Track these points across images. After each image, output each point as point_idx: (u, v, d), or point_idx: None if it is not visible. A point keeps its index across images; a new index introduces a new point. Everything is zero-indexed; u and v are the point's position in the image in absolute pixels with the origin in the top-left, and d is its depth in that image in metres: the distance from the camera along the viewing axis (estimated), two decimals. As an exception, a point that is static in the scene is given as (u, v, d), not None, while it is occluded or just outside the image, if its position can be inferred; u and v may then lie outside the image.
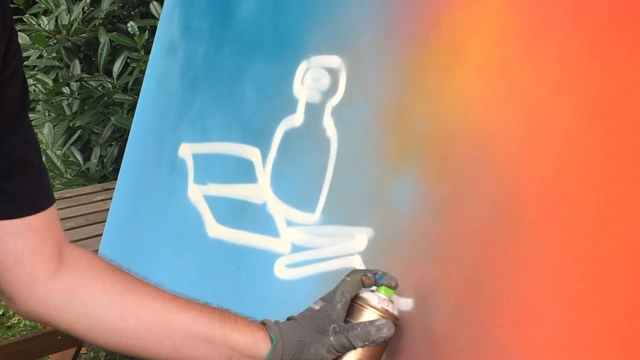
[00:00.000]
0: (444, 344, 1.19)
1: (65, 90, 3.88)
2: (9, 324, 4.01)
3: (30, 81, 4.01)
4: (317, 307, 1.16)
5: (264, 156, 1.60)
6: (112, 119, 3.64)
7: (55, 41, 3.95)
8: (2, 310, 4.10)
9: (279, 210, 1.54)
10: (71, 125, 3.66)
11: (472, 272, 1.17)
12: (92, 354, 3.64)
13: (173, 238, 1.84)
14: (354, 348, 1.10)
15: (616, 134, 1.03)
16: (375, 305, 1.15)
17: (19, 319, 4.04)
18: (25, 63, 3.88)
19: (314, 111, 1.51)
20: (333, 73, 1.48)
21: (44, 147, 3.58)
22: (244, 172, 1.65)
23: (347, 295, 1.16)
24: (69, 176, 3.65)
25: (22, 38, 4.01)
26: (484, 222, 1.17)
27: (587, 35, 1.09)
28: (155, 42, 2.08)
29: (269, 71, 1.65)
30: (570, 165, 1.07)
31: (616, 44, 1.05)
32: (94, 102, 3.73)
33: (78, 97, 3.77)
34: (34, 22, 3.92)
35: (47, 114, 3.91)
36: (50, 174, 3.52)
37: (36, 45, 3.81)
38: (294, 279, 1.47)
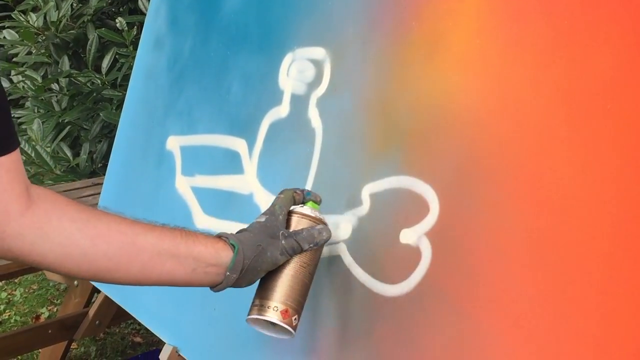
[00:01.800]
0: (429, 329, 1.21)
1: (54, 86, 3.88)
2: (0, 319, 4.02)
3: (19, 77, 4.01)
4: (262, 220, 1.26)
5: (250, 147, 1.62)
6: (101, 114, 3.65)
7: (44, 38, 3.96)
8: (-7, 307, 4.12)
9: (265, 200, 1.56)
10: (60, 121, 3.66)
11: (454, 260, 1.19)
12: (82, 349, 3.65)
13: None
14: (302, 250, 1.24)
15: (592, 120, 1.05)
16: (310, 215, 1.29)
17: (9, 315, 4.05)
18: (14, 59, 3.89)
19: (299, 102, 1.53)
20: (318, 64, 1.50)
21: (34, 143, 3.59)
22: (230, 163, 1.67)
23: (284, 209, 1.28)
24: (58, 172, 3.65)
25: (11, 35, 4.02)
26: (465, 209, 1.19)
27: (563, 24, 1.11)
28: (142, 37, 2.10)
29: (255, 63, 1.67)
30: (549, 152, 1.09)
31: (590, 32, 1.07)
32: (83, 98, 3.74)
33: (67, 93, 3.78)
34: (22, 19, 3.92)
35: (36, 110, 3.92)
36: (39, 169, 3.53)
37: (25, 41, 3.82)
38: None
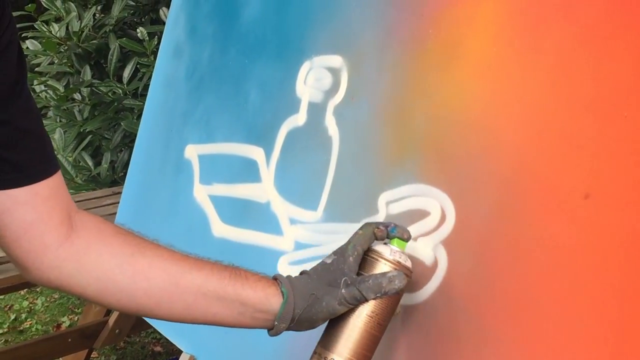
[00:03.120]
0: (445, 338, 1.21)
1: (76, 96, 3.91)
2: (21, 328, 4.04)
3: (41, 87, 4.04)
4: (329, 261, 1.16)
5: (268, 156, 1.62)
6: (122, 124, 3.66)
7: (66, 47, 3.98)
8: (15, 315, 4.13)
9: (282, 208, 1.56)
10: (82, 130, 3.68)
11: (470, 269, 1.18)
12: (103, 358, 3.66)
13: (179, 238, 1.85)
14: (366, 300, 1.12)
15: (610, 128, 1.04)
16: (387, 257, 1.15)
17: (30, 324, 4.07)
18: (36, 69, 3.92)
19: (316, 110, 1.52)
20: (335, 73, 1.50)
21: (55, 152, 3.61)
22: (248, 171, 1.66)
23: (359, 248, 1.16)
24: (79, 181, 3.67)
25: (34, 45, 4.05)
26: (482, 218, 1.18)
27: (581, 30, 1.10)
28: (161, 45, 2.11)
29: (273, 72, 1.66)
30: (566, 159, 1.08)
31: (609, 39, 1.06)
32: (104, 108, 3.76)
33: (89, 102, 3.80)
34: (45, 29, 3.95)
35: (58, 120, 3.94)
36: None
37: (47, 51, 3.84)
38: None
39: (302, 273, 1.18)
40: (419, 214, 1.27)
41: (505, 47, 1.20)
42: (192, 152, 1.87)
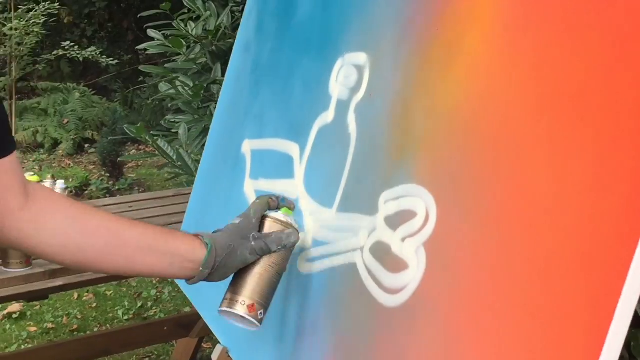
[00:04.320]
0: (417, 348, 1.17)
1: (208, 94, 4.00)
2: (146, 315, 4.20)
3: (176, 83, 4.16)
4: (237, 222, 1.38)
5: (302, 152, 1.62)
6: (247, 122, 3.72)
7: (201, 45, 4.08)
8: (142, 303, 4.30)
9: (306, 205, 1.55)
10: (205, 126, 3.76)
11: (446, 273, 1.15)
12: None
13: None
14: (270, 251, 1.35)
15: (604, 126, 0.97)
16: (282, 220, 1.41)
17: (155, 312, 4.22)
18: (166, 65, 4.04)
19: (342, 108, 1.51)
20: (360, 70, 1.48)
21: (177, 147, 3.72)
22: (285, 167, 1.67)
23: (258, 213, 1.40)
24: (202, 175, 3.76)
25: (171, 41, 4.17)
26: (461, 221, 1.14)
27: (575, 29, 1.04)
28: (236, 40, 2.14)
29: (314, 69, 1.66)
30: (563, 162, 1.02)
31: (608, 37, 1.00)
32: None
33: (216, 99, 3.88)
34: (182, 28, 4.06)
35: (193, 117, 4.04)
36: (180, 172, 3.65)
37: (175, 49, 3.95)
38: (309, 273, 1.48)
39: (215, 231, 1.36)
40: (409, 215, 1.24)
41: (499, 45, 1.16)
42: (247, 146, 1.89)
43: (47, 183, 2.41)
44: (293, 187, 1.62)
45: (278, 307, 1.57)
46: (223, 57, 4.16)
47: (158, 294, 4.44)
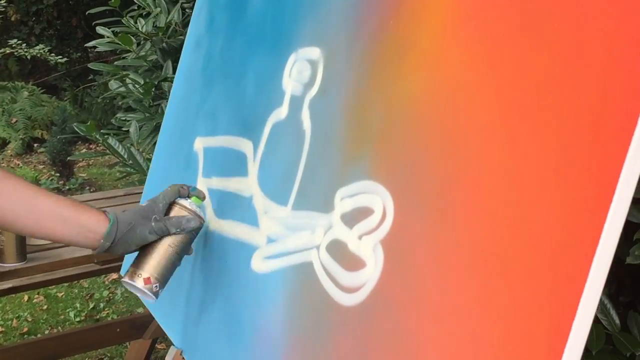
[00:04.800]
0: (373, 348, 1.15)
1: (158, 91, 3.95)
2: (98, 316, 4.14)
3: (127, 81, 4.11)
4: (144, 204, 1.53)
5: (255, 149, 1.60)
6: (199, 119, 3.68)
7: (151, 42, 4.03)
8: (94, 304, 4.24)
9: (260, 203, 1.53)
10: (156, 124, 3.72)
11: (402, 272, 1.13)
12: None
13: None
14: (169, 232, 1.49)
15: (562, 122, 0.96)
16: (187, 207, 1.53)
17: (107, 313, 4.16)
18: (116, 63, 3.99)
19: (296, 104, 1.49)
20: (313, 65, 1.46)
21: (128, 145, 3.67)
22: (239, 165, 1.64)
23: (167, 198, 1.53)
24: (152, 174, 3.71)
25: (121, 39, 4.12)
26: (417, 218, 1.12)
27: (522, 20, 1.03)
28: (187, 36, 2.11)
29: (266, 65, 1.63)
30: (521, 157, 1.00)
31: (549, 32, 0.99)
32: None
33: (167, 97, 3.84)
34: (132, 25, 4.01)
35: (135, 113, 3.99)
36: (132, 170, 3.60)
37: (125, 46, 3.90)
38: (265, 272, 1.46)
39: (124, 211, 1.50)
40: (366, 212, 1.22)
41: (454, 40, 1.14)
42: (199, 144, 1.86)
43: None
44: (247, 185, 1.59)
45: (233, 306, 1.54)
46: (174, 54, 4.11)
47: (110, 295, 4.38)
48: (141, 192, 2.79)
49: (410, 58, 1.20)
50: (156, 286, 1.49)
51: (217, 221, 1.69)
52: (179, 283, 1.82)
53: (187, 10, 4.24)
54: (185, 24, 4.14)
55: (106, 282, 4.53)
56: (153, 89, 3.88)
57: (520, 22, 1.03)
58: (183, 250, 1.52)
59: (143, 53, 4.14)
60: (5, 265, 2.30)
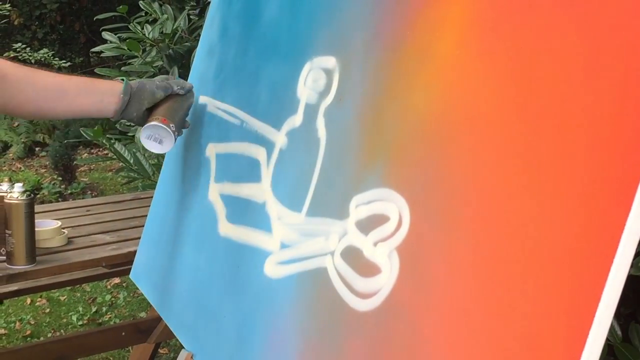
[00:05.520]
0: (389, 345, 1.17)
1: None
2: (100, 320, 4.16)
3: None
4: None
5: (269, 156, 1.62)
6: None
7: (158, 49, 4.06)
8: (96, 308, 4.25)
9: (274, 209, 1.55)
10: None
11: (417, 279, 1.15)
12: (172, 355, 3.71)
13: (194, 236, 1.88)
14: (172, 89, 1.81)
15: (567, 134, 0.98)
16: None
17: (109, 317, 4.17)
18: (122, 68, 4.01)
19: (311, 112, 1.51)
20: (329, 73, 1.48)
21: (134, 150, 3.69)
22: (252, 171, 1.66)
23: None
24: (156, 180, 3.73)
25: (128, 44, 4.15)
26: (433, 226, 1.14)
27: (538, 34, 1.05)
28: (199, 45, 2.13)
29: (281, 73, 1.66)
30: (538, 165, 1.02)
31: (562, 40, 1.01)
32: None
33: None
34: (138, 31, 4.04)
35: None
36: (137, 176, 3.62)
37: (132, 52, 3.93)
38: (279, 277, 1.48)
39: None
40: (381, 219, 1.24)
41: (467, 50, 1.16)
42: (212, 150, 1.88)
43: (4, 186, 2.37)
44: (260, 191, 1.61)
45: (245, 311, 1.56)
46: (180, 60, 4.14)
47: (113, 299, 4.39)
48: (147, 197, 2.82)
49: (428, 68, 1.23)
50: (172, 126, 1.72)
51: (230, 226, 1.71)
52: (189, 287, 1.84)
53: (192, 17, 4.27)
54: (191, 30, 4.19)
55: (108, 287, 4.54)
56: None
57: (540, 34, 1.05)
58: (187, 103, 1.86)
59: (149, 59, 4.17)
60: (14, 267, 2.32)
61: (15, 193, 2.29)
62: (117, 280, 4.49)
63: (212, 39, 2.04)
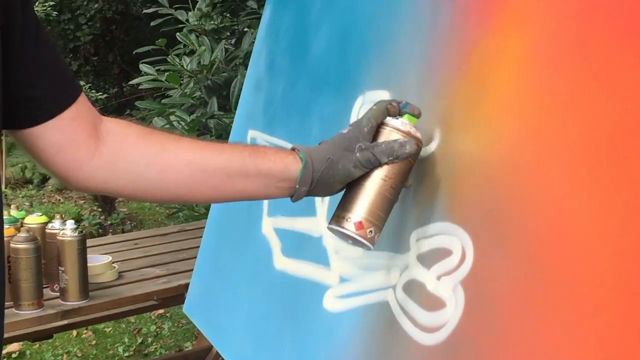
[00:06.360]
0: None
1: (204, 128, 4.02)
2: (146, 351, 4.19)
3: (172, 118, 4.19)
4: (345, 131, 1.26)
5: (324, 190, 1.63)
6: (243, 154, 3.74)
7: (196, 80, 4.11)
8: (142, 339, 4.28)
9: (331, 242, 1.56)
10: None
11: (484, 312, 1.16)
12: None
13: (248, 270, 1.90)
14: (379, 163, 1.23)
15: (621, 169, 0.99)
16: (399, 128, 1.25)
17: (155, 348, 4.20)
18: (164, 101, 4.06)
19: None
20: (382, 108, 1.49)
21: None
22: (307, 205, 1.67)
23: (372, 120, 1.25)
24: (202, 210, 3.77)
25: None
26: (498, 260, 1.15)
27: (593, 66, 1.06)
28: (246, 78, 2.16)
29: (332, 107, 1.68)
30: (600, 200, 1.03)
31: (621, 73, 1.02)
32: (227, 138, 3.86)
33: (214, 133, 3.91)
34: (177, 63, 4.09)
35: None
36: (180, 207, 3.66)
37: (172, 84, 3.98)
38: (339, 311, 1.49)
39: (320, 143, 1.28)
40: (444, 253, 1.25)
41: (527, 83, 1.17)
42: (263, 184, 1.90)
43: (57, 224, 2.40)
44: (316, 225, 1.63)
45: (305, 344, 1.57)
46: (218, 90, 4.19)
47: (158, 329, 4.43)
48: (192, 229, 2.84)
49: (486, 102, 1.24)
50: (371, 231, 1.25)
51: (285, 260, 1.73)
52: (246, 320, 1.86)
53: (228, 47, 4.31)
54: (228, 61, 4.23)
55: (152, 317, 4.57)
56: (198, 126, 3.95)
57: (597, 66, 1.06)
58: (400, 183, 1.27)
59: (187, 90, 4.22)
60: (68, 303, 2.35)
61: (67, 230, 2.32)
62: (161, 311, 4.52)
63: (259, 73, 2.07)
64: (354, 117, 1.58)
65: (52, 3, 8.87)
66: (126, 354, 4.14)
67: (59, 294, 2.42)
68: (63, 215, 2.49)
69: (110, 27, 10.30)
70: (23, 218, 2.55)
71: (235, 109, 3.82)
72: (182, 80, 4.23)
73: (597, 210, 1.01)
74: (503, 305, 1.12)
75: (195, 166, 1.18)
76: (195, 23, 4.23)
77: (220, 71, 4.17)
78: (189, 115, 4.02)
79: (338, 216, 1.26)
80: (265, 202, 1.87)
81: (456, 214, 1.25)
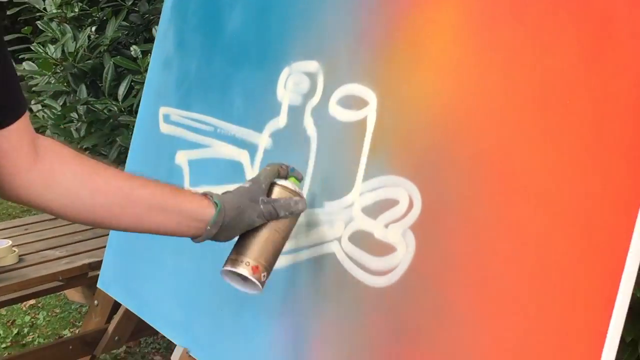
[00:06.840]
0: (412, 316, 1.31)
1: (73, 115, 4.00)
2: (24, 342, 4.12)
3: (38, 107, 4.14)
4: (247, 185, 1.41)
5: (252, 157, 1.72)
6: (118, 140, 3.75)
7: (62, 68, 4.08)
8: (17, 330, 4.21)
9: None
10: (79, 147, 3.77)
11: (436, 251, 1.29)
12: (105, 366, 3.74)
13: (172, 239, 1.95)
14: (278, 216, 1.39)
15: (555, 119, 1.15)
16: (289, 187, 1.44)
17: (32, 337, 4.15)
18: (34, 89, 4.02)
19: (295, 113, 1.63)
20: (312, 77, 1.60)
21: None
22: (234, 173, 1.76)
23: (268, 179, 1.43)
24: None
25: (30, 66, 4.15)
26: (445, 205, 1.28)
27: (528, 28, 1.21)
28: (152, 58, 2.21)
29: (255, 79, 1.77)
30: (522, 148, 1.19)
31: (555, 34, 1.17)
32: (100, 125, 3.85)
33: (85, 120, 3.89)
34: (41, 51, 4.04)
35: (56, 138, 4.02)
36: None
37: (43, 71, 3.94)
38: (284, 266, 1.58)
39: (225, 193, 1.39)
40: (389, 203, 1.38)
41: (463, 46, 1.31)
42: (182, 157, 1.97)
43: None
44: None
45: (246, 302, 1.66)
46: (83, 78, 4.17)
47: (33, 319, 4.37)
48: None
49: (424, 64, 1.37)
50: (264, 275, 1.38)
51: (215, 226, 1.80)
52: (175, 287, 1.92)
53: (91, 35, 4.28)
54: (91, 49, 4.21)
55: (24, 308, 4.50)
56: (70, 113, 3.93)
57: (520, 29, 1.22)
58: (287, 236, 1.43)
59: (52, 79, 4.17)
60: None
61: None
62: (32, 301, 4.46)
63: (168, 52, 2.13)
64: (280, 87, 1.68)
65: None
66: (3, 345, 4.07)
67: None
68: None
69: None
70: None
71: (109, 95, 3.84)
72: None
73: (531, 150, 1.17)
74: (455, 244, 1.26)
75: (123, 193, 1.27)
76: (55, 11, 4.19)
77: (85, 58, 4.15)
78: (59, 104, 4.00)
79: (234, 260, 1.39)
80: (186, 174, 1.94)
81: (399, 166, 1.38)
